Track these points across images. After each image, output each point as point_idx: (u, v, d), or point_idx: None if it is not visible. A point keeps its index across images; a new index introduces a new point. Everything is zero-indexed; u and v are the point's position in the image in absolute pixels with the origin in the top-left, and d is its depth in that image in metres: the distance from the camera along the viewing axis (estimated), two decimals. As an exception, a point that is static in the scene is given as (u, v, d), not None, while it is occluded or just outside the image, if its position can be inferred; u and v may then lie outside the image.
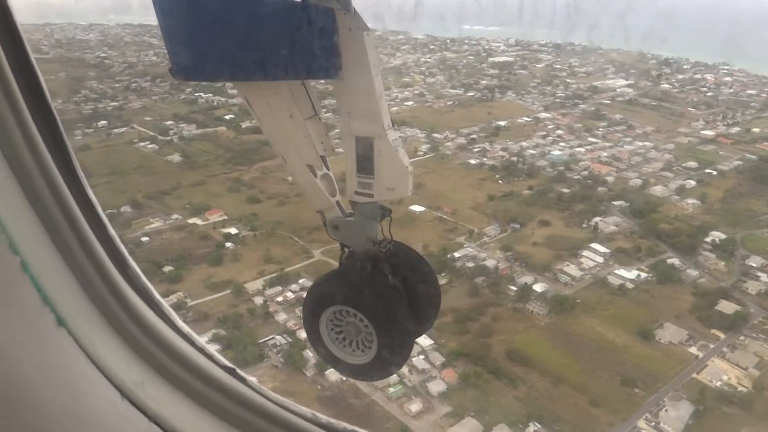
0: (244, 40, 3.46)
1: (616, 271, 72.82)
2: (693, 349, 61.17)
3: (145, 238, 76.73)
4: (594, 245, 77.73)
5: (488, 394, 55.39)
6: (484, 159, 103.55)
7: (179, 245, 76.17)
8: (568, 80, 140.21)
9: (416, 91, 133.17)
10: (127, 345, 2.50)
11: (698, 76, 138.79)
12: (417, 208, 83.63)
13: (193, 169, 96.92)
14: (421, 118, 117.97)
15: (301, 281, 67.92)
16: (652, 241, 79.24)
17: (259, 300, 66.50)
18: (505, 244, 78.85)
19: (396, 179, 3.93)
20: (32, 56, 2.20)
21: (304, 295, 4.56)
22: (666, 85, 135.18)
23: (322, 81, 3.86)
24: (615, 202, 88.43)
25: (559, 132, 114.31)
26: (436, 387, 56.02)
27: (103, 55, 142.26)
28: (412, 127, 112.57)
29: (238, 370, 2.73)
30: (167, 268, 69.99)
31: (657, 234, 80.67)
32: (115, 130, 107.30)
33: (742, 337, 62.55)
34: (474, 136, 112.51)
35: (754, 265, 73.57)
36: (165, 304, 2.75)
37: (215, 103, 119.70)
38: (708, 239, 78.53)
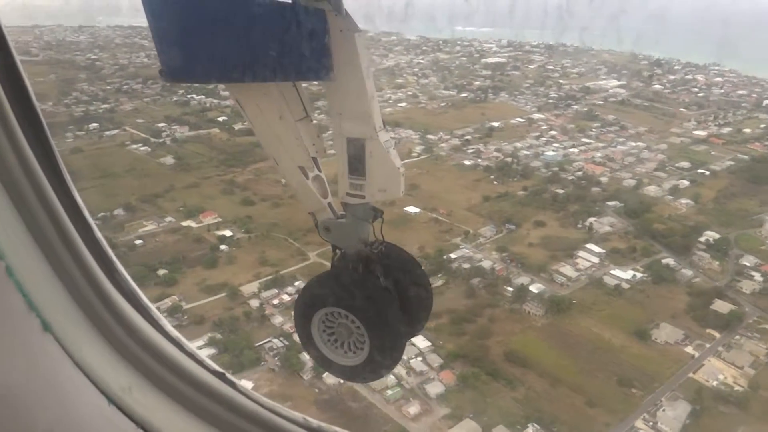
0: (234, 42, 3.44)
1: (612, 272, 73.08)
2: (689, 349, 61.41)
3: (138, 241, 76.15)
4: (589, 246, 77.93)
5: (486, 395, 55.32)
6: (479, 160, 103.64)
7: (173, 248, 75.69)
8: (561, 81, 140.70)
9: (410, 92, 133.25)
10: (114, 350, 2.49)
11: (689, 76, 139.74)
12: (412, 209, 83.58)
13: (187, 172, 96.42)
14: (415, 120, 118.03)
15: (297, 283, 67.56)
16: (647, 241, 79.54)
17: (255, 303, 66.18)
18: (501, 244, 78.94)
19: (388, 180, 3.87)
20: (17, 58, 2.18)
21: (296, 297, 4.57)
22: (658, 86, 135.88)
23: (315, 82, 3.81)
24: (609, 203, 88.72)
25: (553, 133, 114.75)
26: (434, 389, 55.89)
27: (93, 57, 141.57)
28: (406, 128, 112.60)
29: (228, 375, 2.72)
30: (161, 272, 69.52)
31: (651, 234, 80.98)
32: (107, 133, 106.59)
33: (737, 337, 62.85)
34: (468, 137, 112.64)
35: (748, 264, 73.98)
36: (153, 307, 2.73)
37: (208, 105, 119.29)
38: (702, 239, 78.92)
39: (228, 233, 79.17)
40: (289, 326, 61.41)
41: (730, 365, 58.88)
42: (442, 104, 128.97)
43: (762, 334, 62.52)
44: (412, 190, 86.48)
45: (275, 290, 67.91)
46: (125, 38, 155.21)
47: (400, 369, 57.09)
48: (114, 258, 2.59)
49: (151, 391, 2.53)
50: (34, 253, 2.18)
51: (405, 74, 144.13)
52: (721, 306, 66.42)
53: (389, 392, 54.77)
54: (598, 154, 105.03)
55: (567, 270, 73.39)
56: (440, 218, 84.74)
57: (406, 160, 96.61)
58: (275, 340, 60.37)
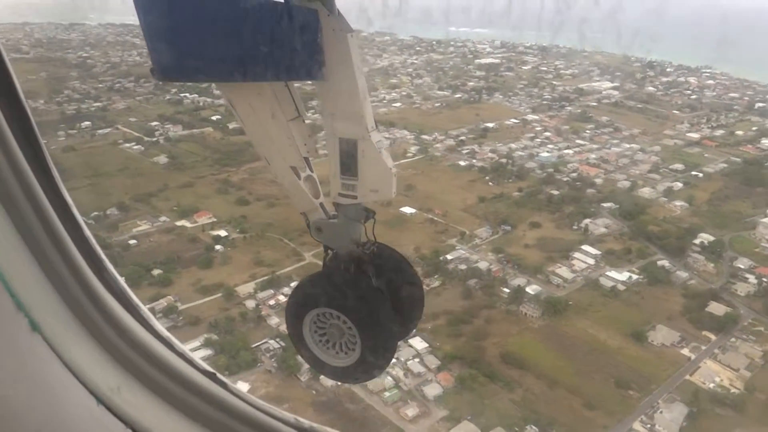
0: (226, 40, 3.39)
1: (608, 273, 73.16)
2: (685, 351, 61.63)
3: (132, 241, 75.46)
4: (585, 247, 78.07)
5: (484, 397, 55.22)
6: (473, 161, 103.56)
7: (168, 248, 75.05)
8: (554, 82, 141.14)
9: (404, 93, 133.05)
10: (104, 349, 2.47)
11: (682, 79, 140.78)
12: (408, 209, 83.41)
13: (180, 171, 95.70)
14: (410, 120, 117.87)
15: (292, 284, 66.91)
16: (642, 243, 79.76)
17: (251, 303, 65.75)
18: (497, 246, 78.89)
19: (380, 181, 3.88)
20: (5, 55, 2.15)
21: (287, 297, 4.56)
22: (651, 88, 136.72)
23: (308, 82, 3.85)
24: (604, 204, 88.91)
25: (547, 134, 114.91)
26: (432, 390, 55.73)
27: (85, 54, 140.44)
28: (400, 128, 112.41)
29: (219, 375, 2.71)
30: (156, 272, 68.92)
31: (646, 236, 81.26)
32: (99, 131, 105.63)
33: (732, 339, 63.12)
34: (462, 137, 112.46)
35: (742, 266, 74.36)
36: (143, 307, 2.71)
37: (201, 104, 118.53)
38: (696, 241, 79.24)
39: (223, 233, 78.63)
40: (285, 327, 61.03)
41: (726, 367, 59.11)
42: (437, 105, 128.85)
43: (757, 337, 62.86)
44: (407, 190, 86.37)
45: (271, 291, 67.47)
46: (117, 36, 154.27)
47: (397, 371, 57.00)
48: (103, 257, 2.57)
49: (140, 391, 2.52)
50: (22, 252, 2.15)
51: (399, 74, 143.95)
52: (717, 308, 66.71)
53: (387, 394, 54.59)
54: (593, 156, 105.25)
55: (563, 271, 73.50)
56: (436, 219, 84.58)
57: (401, 161, 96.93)
58: (272, 342, 59.99)
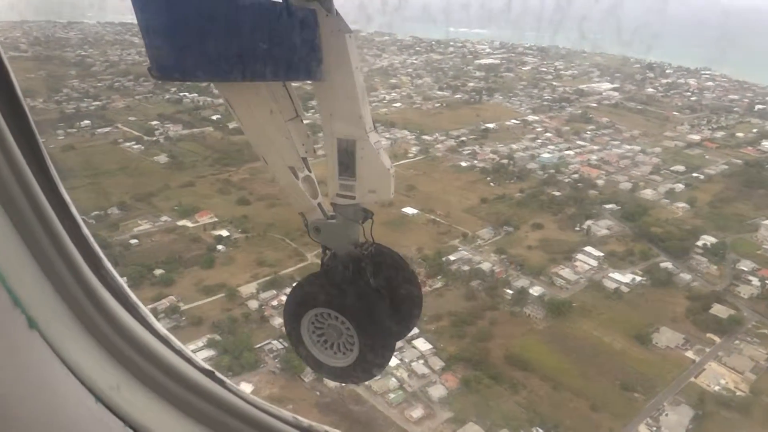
0: (224, 39, 3.35)
1: (611, 275, 73.00)
2: (690, 353, 61.48)
3: (133, 241, 74.97)
4: (587, 248, 77.93)
5: (489, 399, 54.98)
6: (475, 161, 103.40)
7: (169, 248, 74.59)
8: (554, 83, 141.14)
9: (404, 93, 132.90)
10: (102, 347, 2.46)
11: (681, 80, 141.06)
12: (410, 210, 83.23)
13: (181, 170, 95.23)
14: (410, 120, 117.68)
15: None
16: (645, 245, 79.67)
17: (253, 304, 65.32)
18: (500, 247, 78.66)
19: (378, 181, 3.93)
20: (3, 53, 2.14)
21: (285, 297, 4.53)
22: (651, 89, 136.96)
23: (307, 82, 3.84)
24: (606, 206, 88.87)
25: (548, 135, 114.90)
26: (437, 392, 55.49)
27: (83, 53, 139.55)
28: (401, 128, 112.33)
29: (217, 373, 2.71)
30: (158, 271, 68.46)
31: (649, 237, 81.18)
32: (99, 130, 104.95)
33: (737, 341, 63.04)
34: (463, 138, 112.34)
35: (745, 269, 74.27)
36: (141, 305, 2.69)
37: (201, 103, 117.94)
38: (699, 243, 79.13)
39: (224, 233, 78.22)
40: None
41: (731, 370, 58.97)
42: (437, 105, 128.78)
43: (761, 339, 62.75)
44: (409, 191, 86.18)
45: (274, 291, 67.03)
46: (115, 35, 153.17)
47: (402, 372, 56.77)
48: (101, 255, 2.56)
49: (139, 389, 2.52)
50: (19, 249, 2.13)
51: (399, 74, 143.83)
52: (720, 310, 66.68)
53: (392, 395, 54.34)
54: (594, 157, 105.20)
55: (566, 273, 73.34)
56: (438, 219, 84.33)
57: (402, 161, 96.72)
58: (275, 342, 59.64)
